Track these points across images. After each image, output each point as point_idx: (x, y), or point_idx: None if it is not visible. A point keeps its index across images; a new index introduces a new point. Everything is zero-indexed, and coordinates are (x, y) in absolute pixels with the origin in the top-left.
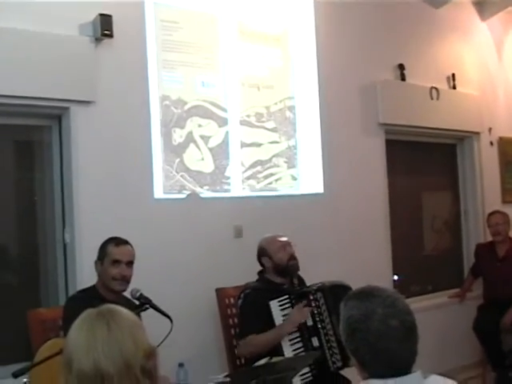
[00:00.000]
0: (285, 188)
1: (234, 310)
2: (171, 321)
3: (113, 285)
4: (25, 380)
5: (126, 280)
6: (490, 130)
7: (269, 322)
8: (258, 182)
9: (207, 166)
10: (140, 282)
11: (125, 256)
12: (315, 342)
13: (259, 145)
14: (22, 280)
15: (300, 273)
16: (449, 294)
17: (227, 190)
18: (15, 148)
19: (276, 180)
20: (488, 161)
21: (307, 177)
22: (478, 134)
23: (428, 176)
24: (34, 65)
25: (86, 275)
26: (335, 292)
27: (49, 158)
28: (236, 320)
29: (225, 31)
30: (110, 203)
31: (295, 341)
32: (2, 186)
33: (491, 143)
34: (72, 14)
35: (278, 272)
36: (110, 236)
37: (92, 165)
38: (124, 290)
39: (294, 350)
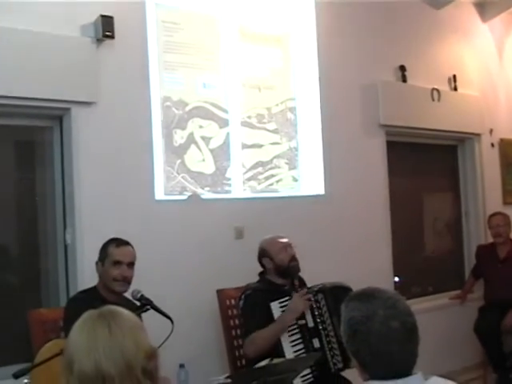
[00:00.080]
0: (286, 189)
1: (234, 311)
2: (172, 322)
3: (114, 286)
4: (25, 381)
5: (127, 281)
6: (491, 131)
7: (270, 323)
8: (259, 184)
9: (208, 168)
10: (141, 282)
11: (126, 257)
12: (316, 343)
13: (260, 146)
14: (23, 280)
15: (301, 274)
16: (450, 296)
17: (228, 192)
18: (16, 148)
19: (277, 181)
20: (489, 162)
21: (308, 178)
22: (478, 135)
23: (429, 177)
24: (36, 66)
25: (86, 276)
26: (336, 293)
27: (50, 159)
28: (237, 321)
29: (226, 32)
30: (111, 204)
31: (296, 342)
32: (4, 186)
33: (492, 145)
34: (73, 15)
35: (279, 273)
36: (111, 237)
37: (93, 166)
38: (125, 291)
39: (295, 352)
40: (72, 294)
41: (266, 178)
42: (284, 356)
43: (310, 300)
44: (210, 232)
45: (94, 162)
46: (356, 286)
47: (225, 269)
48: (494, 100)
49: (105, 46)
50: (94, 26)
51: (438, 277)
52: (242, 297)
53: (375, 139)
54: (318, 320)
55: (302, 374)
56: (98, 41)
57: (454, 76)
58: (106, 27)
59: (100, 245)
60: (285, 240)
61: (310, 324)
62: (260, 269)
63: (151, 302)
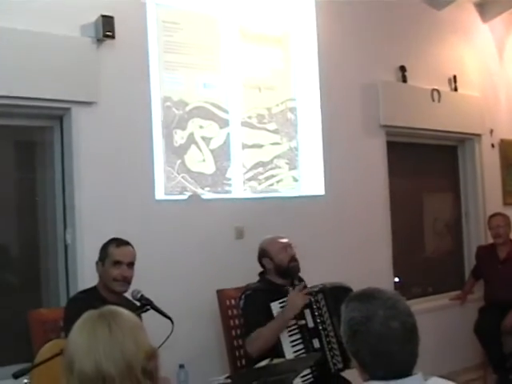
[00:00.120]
0: (286, 189)
1: (235, 312)
2: (172, 322)
3: (114, 286)
4: (25, 381)
5: (127, 281)
6: (491, 132)
7: None
8: (259, 184)
9: (208, 168)
10: (141, 282)
11: (126, 257)
12: (316, 343)
13: (260, 146)
14: (23, 280)
15: (301, 274)
16: (450, 296)
17: (228, 192)
18: (17, 148)
19: (277, 181)
20: (489, 163)
21: (308, 178)
22: (479, 136)
23: (429, 178)
24: (36, 66)
25: (87, 276)
26: (336, 293)
27: (50, 159)
28: (237, 321)
29: (226, 32)
30: (112, 204)
31: (296, 342)
32: (4, 186)
33: (492, 145)
34: (74, 14)
35: (279, 273)
36: (111, 237)
37: (93, 166)
38: (125, 291)
39: (295, 352)
40: (72, 294)
41: (267, 178)
42: (284, 356)
43: (309, 294)
44: (210, 232)
45: (94, 162)
46: (356, 287)
47: (225, 269)
48: (494, 100)
49: (105, 46)
50: (94, 25)
51: (438, 277)
52: (242, 297)
53: (375, 139)
54: (318, 320)
55: (302, 375)
56: (99, 41)
57: (455, 76)
58: (106, 27)
59: (100, 245)
60: (285, 240)
61: (310, 324)
62: (260, 269)
63: (151, 302)
